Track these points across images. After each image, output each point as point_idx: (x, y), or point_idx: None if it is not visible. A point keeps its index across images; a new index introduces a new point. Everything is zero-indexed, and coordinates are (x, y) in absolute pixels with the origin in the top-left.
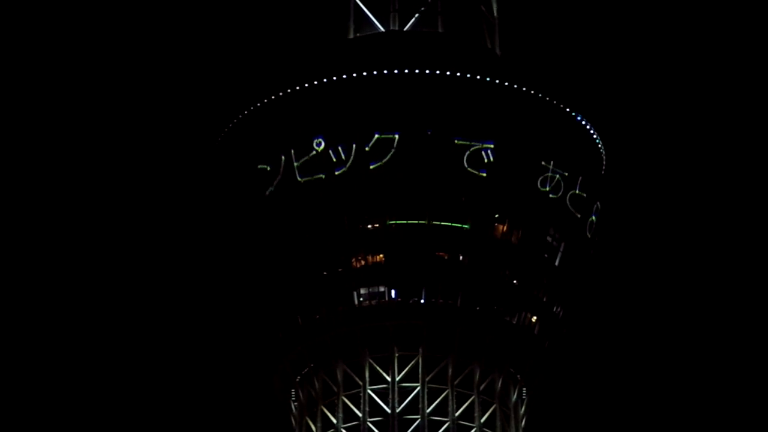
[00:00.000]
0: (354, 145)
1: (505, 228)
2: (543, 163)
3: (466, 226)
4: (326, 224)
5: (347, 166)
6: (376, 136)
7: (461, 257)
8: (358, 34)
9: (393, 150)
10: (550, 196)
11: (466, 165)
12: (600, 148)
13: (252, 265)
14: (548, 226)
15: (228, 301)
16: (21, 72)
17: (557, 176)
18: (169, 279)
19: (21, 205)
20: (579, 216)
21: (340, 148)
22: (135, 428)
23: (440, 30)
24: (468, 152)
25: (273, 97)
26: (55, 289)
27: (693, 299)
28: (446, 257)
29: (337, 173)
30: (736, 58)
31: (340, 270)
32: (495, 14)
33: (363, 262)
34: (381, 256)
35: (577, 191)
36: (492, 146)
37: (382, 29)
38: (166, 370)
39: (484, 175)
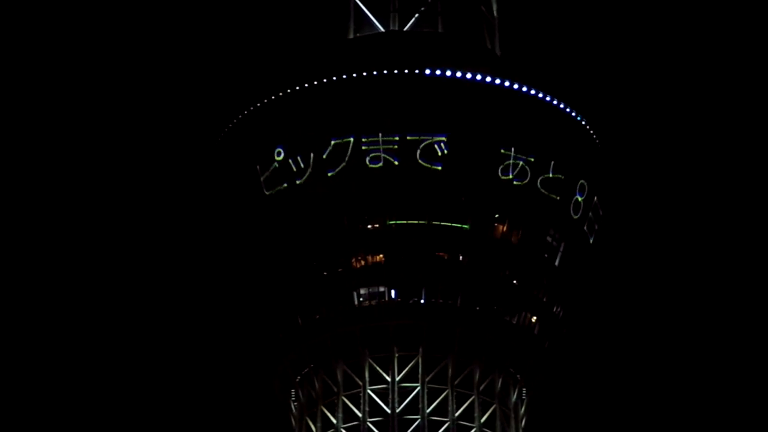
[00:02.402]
0: (312, 154)
1: (505, 228)
2: (503, 150)
3: (466, 227)
4: (326, 224)
5: (307, 174)
6: (333, 142)
7: (461, 257)
8: (358, 34)
9: (348, 155)
10: (515, 183)
11: (419, 159)
12: (599, 147)
13: (252, 265)
14: (531, 218)
15: (228, 301)
16: (21, 72)
17: (521, 162)
18: (169, 279)
19: (21, 205)
20: (558, 198)
21: (298, 157)
22: (135, 428)
23: (440, 30)
24: (422, 145)
25: (272, 98)
26: (55, 289)
27: (693, 299)
28: (446, 257)
29: (298, 182)
30: (736, 58)
31: (340, 270)
32: (495, 14)
33: (363, 262)
34: (381, 256)
35: (551, 174)
36: (445, 139)
37: (382, 29)
38: (166, 370)
39: (439, 168)
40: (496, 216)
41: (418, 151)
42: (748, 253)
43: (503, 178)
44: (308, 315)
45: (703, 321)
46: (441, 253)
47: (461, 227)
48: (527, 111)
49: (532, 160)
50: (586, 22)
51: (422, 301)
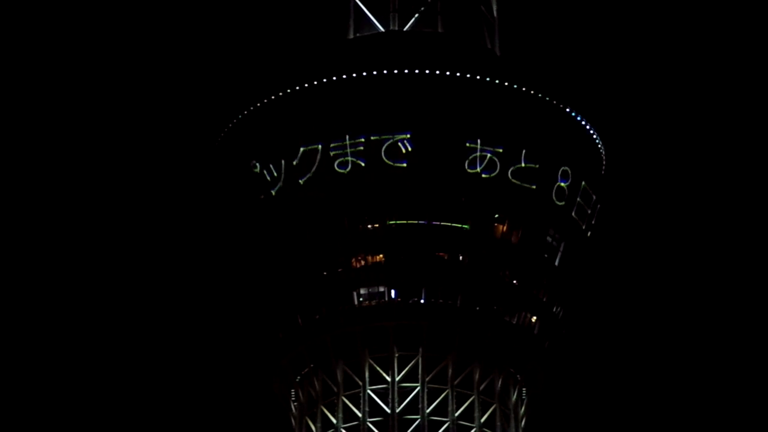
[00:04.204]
0: (283, 162)
1: (505, 228)
2: (468, 144)
3: (466, 227)
4: (326, 224)
5: (280, 183)
6: (302, 149)
7: (461, 257)
8: (358, 34)
9: (317, 162)
10: (483, 176)
11: (384, 158)
12: (600, 149)
13: (252, 265)
14: (525, 217)
15: (228, 301)
16: (21, 72)
17: (488, 155)
18: (169, 279)
19: (21, 205)
20: (535, 187)
21: (271, 166)
22: (135, 428)
23: (440, 30)
24: (386, 144)
25: (273, 98)
26: (55, 289)
27: (693, 299)
28: (446, 257)
29: (273, 192)
30: (736, 58)
31: (340, 270)
32: (495, 14)
33: (363, 262)
34: (381, 256)
35: (523, 164)
36: (408, 136)
37: (382, 29)
38: (166, 370)
39: (404, 165)
40: (496, 216)
41: (383, 151)
42: (747, 252)
43: (470, 171)
44: (308, 315)
45: (703, 320)
46: (441, 253)
47: (461, 227)
48: (493, 103)
49: (501, 151)
50: (586, 22)
51: (422, 301)
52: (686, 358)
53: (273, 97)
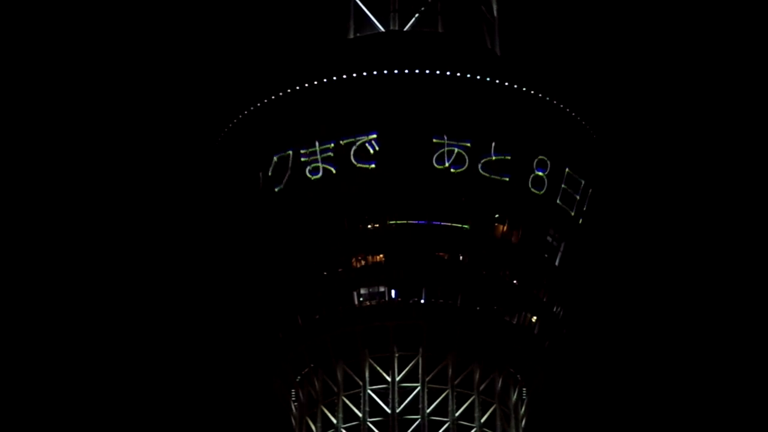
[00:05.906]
0: (260, 174)
1: (505, 228)
2: (435, 140)
3: (466, 227)
4: (326, 224)
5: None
6: (275, 158)
7: (461, 257)
8: (358, 34)
9: (289, 171)
10: (452, 171)
11: (353, 160)
12: (595, 139)
13: (252, 265)
14: (532, 220)
15: (228, 301)
16: (21, 72)
17: (456, 149)
18: (169, 279)
19: (21, 205)
20: (508, 179)
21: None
22: (135, 428)
23: (440, 30)
24: (354, 147)
25: (273, 97)
26: (55, 289)
27: (692, 299)
28: (446, 257)
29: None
30: (736, 58)
31: (340, 270)
32: (495, 14)
33: (363, 262)
34: (381, 256)
35: (493, 157)
36: (375, 137)
37: (382, 29)
38: (166, 370)
39: (372, 166)
40: (496, 216)
41: (352, 153)
42: (747, 252)
43: (438, 167)
44: (308, 315)
45: (703, 321)
46: (441, 253)
47: (461, 227)
48: (461, 97)
49: (468, 145)
50: (585, 22)
51: (422, 301)
52: (686, 357)
53: (266, 101)
